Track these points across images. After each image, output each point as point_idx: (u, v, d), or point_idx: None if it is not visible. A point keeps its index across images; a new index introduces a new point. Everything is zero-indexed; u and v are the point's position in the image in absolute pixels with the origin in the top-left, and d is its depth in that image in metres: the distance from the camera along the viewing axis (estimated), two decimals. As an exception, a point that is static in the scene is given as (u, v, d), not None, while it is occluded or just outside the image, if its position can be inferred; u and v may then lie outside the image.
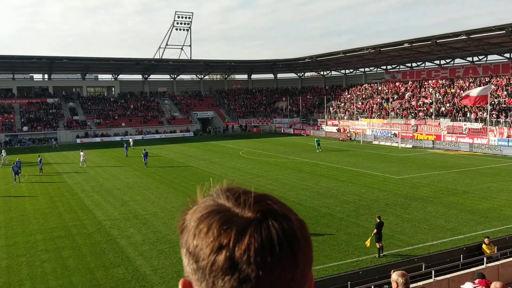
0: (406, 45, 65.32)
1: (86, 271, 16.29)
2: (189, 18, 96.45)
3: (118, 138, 74.65)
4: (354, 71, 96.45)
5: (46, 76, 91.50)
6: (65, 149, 60.94)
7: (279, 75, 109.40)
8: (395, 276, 5.79)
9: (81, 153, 43.08)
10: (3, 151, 48.49)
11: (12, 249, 18.84)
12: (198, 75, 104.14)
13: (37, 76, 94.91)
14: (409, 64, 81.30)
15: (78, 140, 72.84)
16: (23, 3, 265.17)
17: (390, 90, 76.18)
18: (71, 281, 15.45)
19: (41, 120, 76.76)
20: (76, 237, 20.40)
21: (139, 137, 76.71)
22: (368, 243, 17.29)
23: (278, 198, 0.98)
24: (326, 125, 77.61)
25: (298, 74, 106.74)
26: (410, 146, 54.63)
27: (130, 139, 60.77)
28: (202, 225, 0.90)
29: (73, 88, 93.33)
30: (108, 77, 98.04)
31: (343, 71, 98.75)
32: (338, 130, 71.83)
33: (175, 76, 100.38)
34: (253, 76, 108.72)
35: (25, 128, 73.69)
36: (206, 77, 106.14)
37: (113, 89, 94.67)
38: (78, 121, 78.95)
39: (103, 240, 19.79)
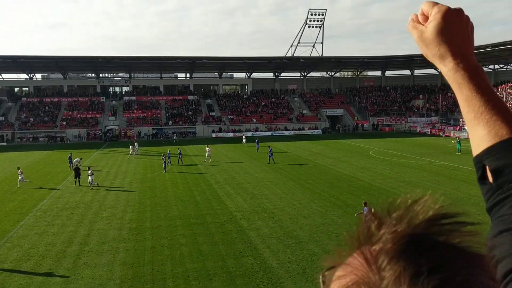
0: None
1: (218, 257, 17.33)
2: (322, 15, 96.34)
3: (249, 134, 77.92)
4: (505, 66, 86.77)
5: (188, 75, 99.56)
6: (202, 143, 65.52)
7: (416, 71, 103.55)
8: None
9: (207, 148, 45.70)
10: (135, 143, 53.17)
11: (156, 231, 20.89)
12: (328, 72, 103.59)
13: (180, 75, 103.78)
14: None
15: (214, 135, 77.86)
16: (171, 8, 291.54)
17: (548, 88, 66.90)
18: (205, 266, 16.57)
19: (182, 115, 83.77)
20: (210, 225, 21.83)
21: (268, 133, 79.19)
22: None
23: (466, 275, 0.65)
24: (468, 125, 71.08)
25: (438, 70, 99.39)
26: None
27: (244, 136, 63.49)
28: None
29: (211, 86, 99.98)
30: (242, 75, 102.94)
31: (491, 67, 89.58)
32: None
33: (306, 73, 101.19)
34: (387, 73, 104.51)
35: (169, 122, 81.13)
36: (337, 74, 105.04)
37: (246, 86, 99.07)
38: (214, 116, 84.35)
39: (234, 230, 20.84)
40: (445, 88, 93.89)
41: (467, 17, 1.17)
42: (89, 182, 31.52)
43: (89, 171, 32.06)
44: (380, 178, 33.19)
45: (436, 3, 1.17)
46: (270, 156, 42.28)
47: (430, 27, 1.15)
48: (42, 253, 18.17)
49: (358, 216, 19.48)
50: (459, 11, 1.16)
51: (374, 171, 36.60)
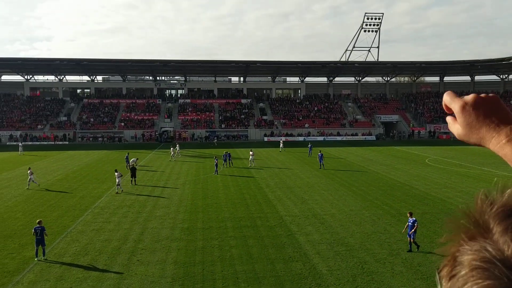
0: None
1: (267, 261, 17.32)
2: (379, 19, 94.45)
3: (301, 138, 77.57)
4: None
5: (241, 78, 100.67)
6: (254, 146, 65.90)
7: (477, 77, 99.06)
8: None
9: (250, 153, 45.67)
10: (177, 145, 53.96)
11: (207, 232, 21.21)
12: (384, 78, 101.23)
13: (234, 79, 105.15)
14: None
15: (265, 139, 78.12)
16: (226, 13, 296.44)
17: None
18: (254, 268, 16.60)
19: (235, 118, 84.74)
20: (260, 228, 21.87)
21: (320, 138, 78.47)
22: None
23: None
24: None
25: (501, 76, 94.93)
26: None
27: (281, 140, 63.07)
28: (476, 286, 0.76)
29: (264, 90, 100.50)
30: (295, 79, 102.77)
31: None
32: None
33: (360, 78, 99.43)
34: (446, 78, 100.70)
35: (222, 125, 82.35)
36: (393, 79, 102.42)
37: (299, 91, 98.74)
38: (266, 120, 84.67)
39: (284, 234, 20.76)
40: (508, 95, 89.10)
41: (486, 96, 1.16)
42: (31, 181, 32.57)
43: (29, 171, 33.23)
44: (436, 187, 31.93)
45: (454, 97, 1.20)
46: (320, 162, 41.82)
47: (461, 124, 1.16)
48: (98, 249, 18.94)
49: (406, 228, 18.78)
50: (474, 98, 1.16)
51: (429, 180, 35.28)
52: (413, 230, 18.17)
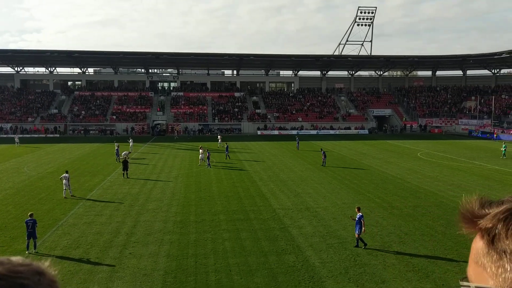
0: None
1: (260, 254, 17.33)
2: (372, 13, 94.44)
3: (294, 132, 77.62)
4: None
5: (234, 72, 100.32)
6: (247, 139, 65.86)
7: (469, 72, 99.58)
8: None
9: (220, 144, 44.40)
10: (130, 139, 52.28)
11: (200, 226, 21.17)
12: (377, 72, 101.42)
13: (227, 72, 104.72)
14: None
15: (259, 132, 78.08)
16: (219, 6, 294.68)
17: None
18: (247, 261, 16.61)
19: (228, 112, 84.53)
20: (253, 221, 21.87)
21: (313, 132, 78.57)
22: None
23: None
24: (524, 129, 67.52)
25: (492, 71, 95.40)
26: None
27: (219, 135, 61.95)
28: None
29: (257, 83, 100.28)
30: (288, 73, 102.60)
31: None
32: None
33: (353, 72, 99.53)
34: (438, 73, 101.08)
35: (215, 119, 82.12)
36: (386, 73, 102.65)
37: (292, 84, 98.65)
38: (259, 114, 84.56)
39: (277, 227, 20.78)
40: (499, 89, 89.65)
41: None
42: (67, 188, 28.41)
43: (64, 175, 30.16)
44: (428, 181, 32.12)
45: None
46: (323, 159, 39.78)
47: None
48: (90, 242, 18.83)
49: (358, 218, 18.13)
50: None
51: (421, 173, 35.47)
52: (359, 226, 17.73)
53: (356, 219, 17.99)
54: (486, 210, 0.93)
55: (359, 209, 18.53)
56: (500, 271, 0.86)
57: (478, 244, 0.91)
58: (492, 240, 0.88)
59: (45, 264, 0.86)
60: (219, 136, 57.39)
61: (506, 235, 0.86)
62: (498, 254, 0.87)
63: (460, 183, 31.53)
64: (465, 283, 0.91)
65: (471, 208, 0.95)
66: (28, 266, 0.87)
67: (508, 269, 0.85)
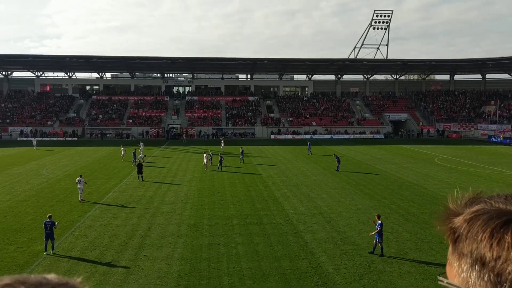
0: None
1: (273, 259, 17.30)
2: (388, 16, 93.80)
3: (308, 136, 77.35)
4: None
5: (248, 76, 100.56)
6: (261, 144, 65.87)
7: (488, 76, 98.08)
8: None
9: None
10: (141, 143, 52.68)
11: (213, 229, 21.24)
12: (393, 75, 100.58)
13: (241, 76, 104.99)
14: None
15: (272, 136, 78.04)
16: (234, 10, 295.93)
17: None
18: (260, 266, 16.60)
19: (242, 116, 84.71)
20: (266, 225, 21.85)
21: (327, 136, 78.21)
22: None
23: None
24: (545, 134, 66.18)
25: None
26: None
27: (222, 140, 61.22)
28: (500, 235, 0.84)
29: (271, 88, 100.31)
30: (302, 77, 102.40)
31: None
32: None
33: (369, 76, 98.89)
34: (456, 77, 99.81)
35: (229, 123, 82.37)
36: (402, 77, 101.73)
37: (306, 88, 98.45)
38: (273, 118, 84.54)
39: (290, 232, 20.72)
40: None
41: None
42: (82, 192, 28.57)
43: (78, 179, 29.77)
44: (445, 187, 31.69)
45: None
46: (338, 164, 39.41)
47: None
48: (106, 244, 19.04)
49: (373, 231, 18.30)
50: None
51: (439, 179, 35.02)
52: (375, 233, 17.80)
53: (377, 226, 17.82)
54: (467, 209, 0.94)
55: (379, 217, 18.39)
56: (459, 270, 0.90)
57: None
58: (455, 240, 0.91)
59: (78, 281, 0.91)
60: (222, 141, 57.23)
61: (466, 237, 0.88)
62: (459, 254, 0.90)
63: (479, 190, 30.99)
64: (441, 278, 0.96)
65: (453, 206, 0.96)
66: (65, 285, 0.89)
67: (465, 270, 0.88)
